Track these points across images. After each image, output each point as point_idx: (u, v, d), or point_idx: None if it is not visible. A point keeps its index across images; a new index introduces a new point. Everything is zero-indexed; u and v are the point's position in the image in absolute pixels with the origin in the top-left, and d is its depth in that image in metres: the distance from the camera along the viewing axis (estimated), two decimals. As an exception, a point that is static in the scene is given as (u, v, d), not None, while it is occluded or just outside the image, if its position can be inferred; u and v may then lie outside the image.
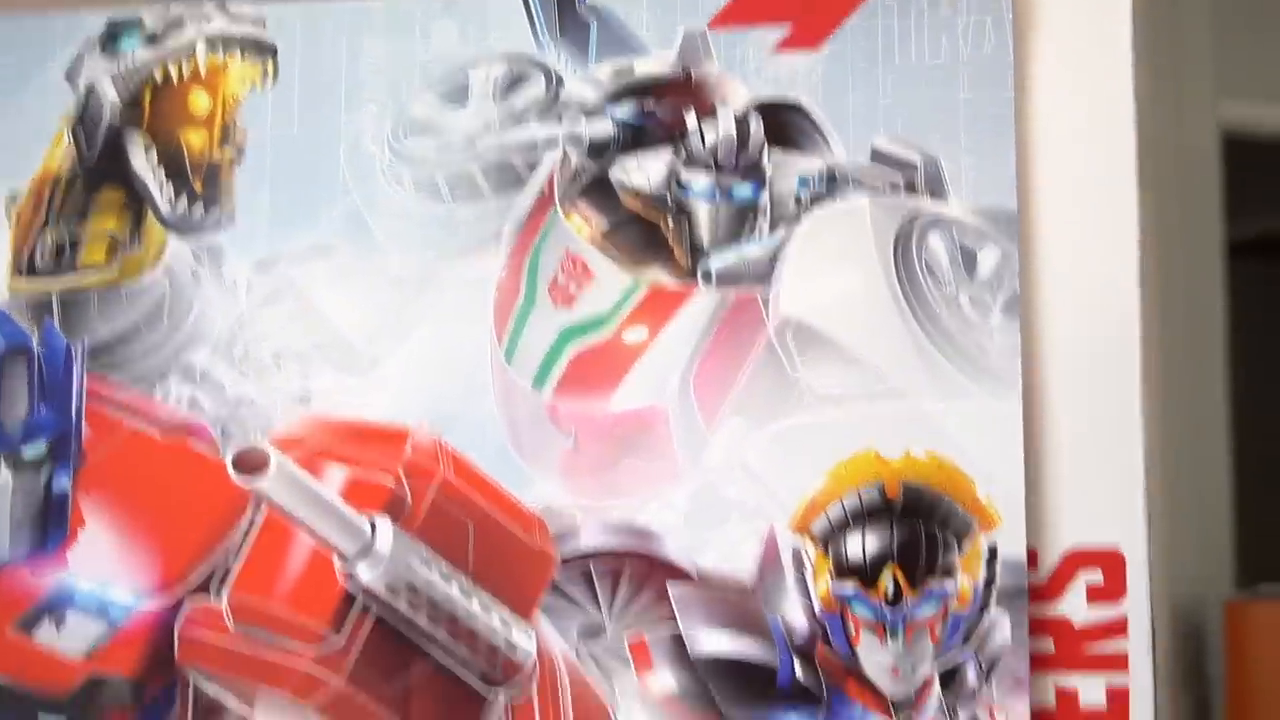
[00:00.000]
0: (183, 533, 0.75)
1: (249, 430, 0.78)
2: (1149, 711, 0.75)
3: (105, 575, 0.75)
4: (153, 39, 0.83)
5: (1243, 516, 2.13)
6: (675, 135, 0.79)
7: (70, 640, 0.75)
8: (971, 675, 0.75)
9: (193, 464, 0.77)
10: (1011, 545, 0.74)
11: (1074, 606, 0.76)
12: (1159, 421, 1.91)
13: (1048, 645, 0.76)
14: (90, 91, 0.83)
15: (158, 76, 0.83)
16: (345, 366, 0.78)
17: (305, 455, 0.74)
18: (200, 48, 0.82)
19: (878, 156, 0.78)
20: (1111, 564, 0.75)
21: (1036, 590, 0.75)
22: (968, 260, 0.77)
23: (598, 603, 0.76)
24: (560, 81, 0.80)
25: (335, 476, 0.73)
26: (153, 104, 0.83)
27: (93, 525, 0.76)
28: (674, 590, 0.75)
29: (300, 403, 0.78)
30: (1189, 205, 2.06)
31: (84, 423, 0.78)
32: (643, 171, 0.79)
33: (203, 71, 0.82)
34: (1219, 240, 2.09)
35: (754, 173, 0.78)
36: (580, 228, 0.79)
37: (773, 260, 0.78)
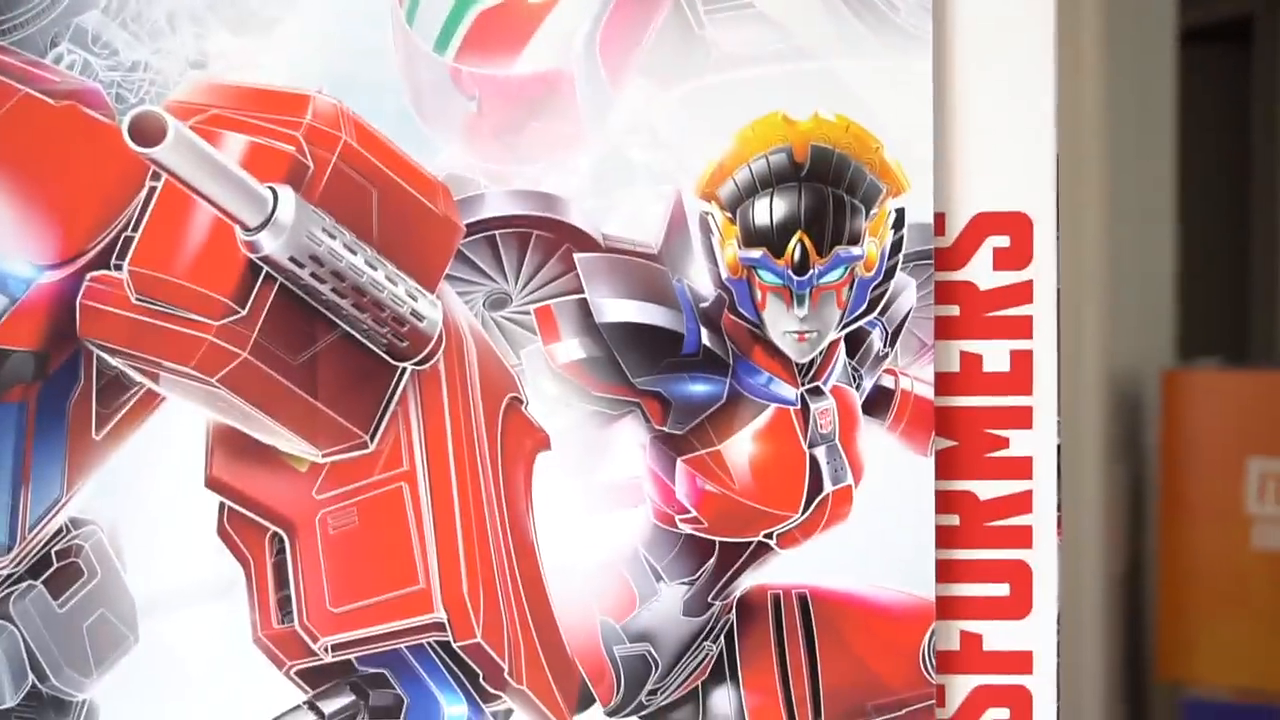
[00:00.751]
0: (81, 203, 0.74)
1: (144, 97, 0.75)
2: (1052, 374, 0.75)
3: (2, 248, 0.74)
4: None
5: (1185, 296, 2.15)
6: None
7: (-31, 319, 0.74)
8: (877, 340, 0.75)
9: (88, 131, 0.74)
10: (919, 209, 0.74)
11: (980, 271, 0.75)
12: (1108, 198, 1.90)
13: (953, 310, 0.76)
14: None
15: None
16: (241, 28, 0.76)
17: (203, 122, 0.72)
18: None
19: None
20: (1019, 228, 0.75)
21: (943, 255, 0.75)
22: (882, -87, 0.74)
23: (504, 271, 0.75)
24: None
25: (234, 144, 0.71)
26: None
27: (-13, 196, 0.75)
28: (580, 258, 0.75)
29: (196, 67, 0.75)
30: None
31: (-27, 89, 0.76)
32: None
33: None
34: (1171, 25, 2.06)
35: None
36: (482, -120, 0.76)
37: (682, -88, 0.75)
